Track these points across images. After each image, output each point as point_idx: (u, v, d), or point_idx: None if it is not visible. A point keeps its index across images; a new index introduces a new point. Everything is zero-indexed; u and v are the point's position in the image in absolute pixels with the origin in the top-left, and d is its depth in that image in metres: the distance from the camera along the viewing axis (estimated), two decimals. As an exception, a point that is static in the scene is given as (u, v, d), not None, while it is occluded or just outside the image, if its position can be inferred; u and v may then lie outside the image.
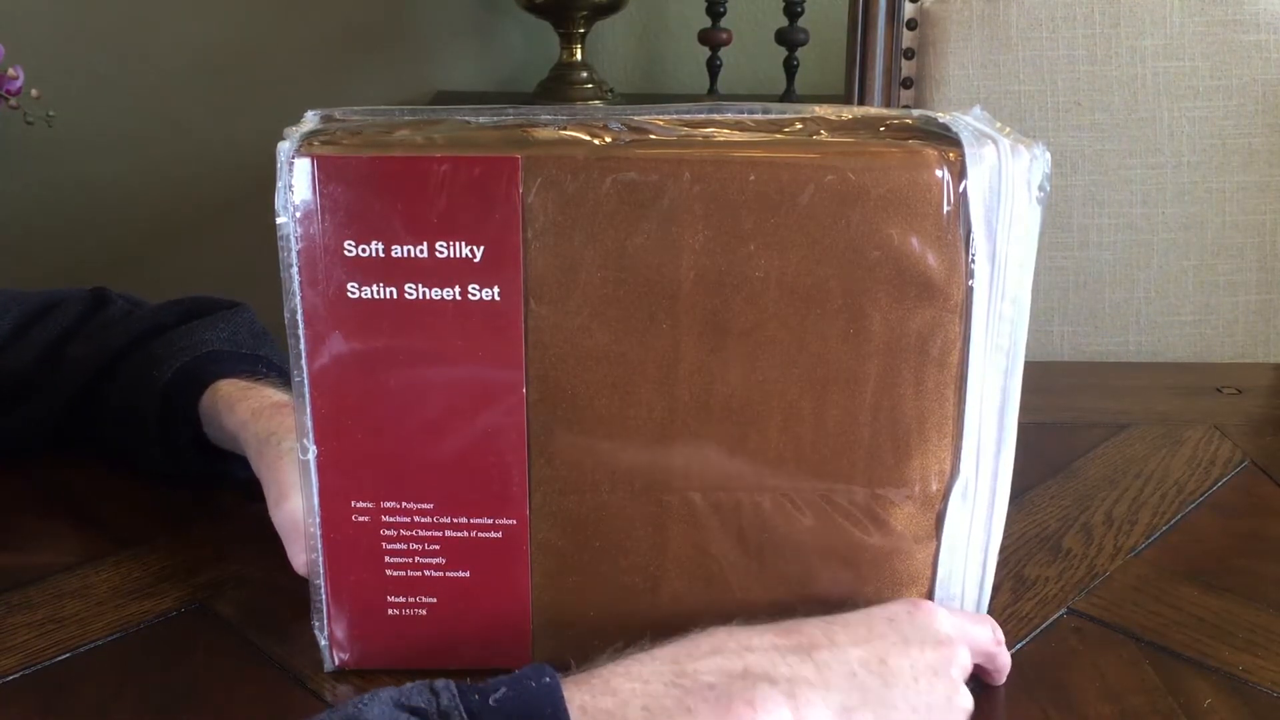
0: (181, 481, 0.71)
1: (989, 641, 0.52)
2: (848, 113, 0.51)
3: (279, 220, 0.47)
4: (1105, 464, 0.77)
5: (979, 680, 0.54)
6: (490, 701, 0.42)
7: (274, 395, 0.66)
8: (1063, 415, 0.84)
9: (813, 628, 0.48)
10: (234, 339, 0.73)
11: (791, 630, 0.48)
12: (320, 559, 0.52)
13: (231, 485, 0.70)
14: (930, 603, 0.52)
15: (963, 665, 0.50)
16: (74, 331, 0.76)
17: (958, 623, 0.51)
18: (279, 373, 0.71)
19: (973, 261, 0.48)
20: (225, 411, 0.66)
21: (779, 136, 0.49)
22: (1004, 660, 0.53)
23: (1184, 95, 1.15)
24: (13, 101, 1.68)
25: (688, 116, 0.51)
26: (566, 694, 0.43)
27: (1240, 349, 1.18)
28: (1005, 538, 0.54)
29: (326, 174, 0.46)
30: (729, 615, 0.51)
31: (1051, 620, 0.60)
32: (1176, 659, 0.57)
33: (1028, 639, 0.58)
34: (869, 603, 0.52)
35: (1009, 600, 0.61)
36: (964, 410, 0.50)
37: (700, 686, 0.44)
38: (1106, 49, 1.15)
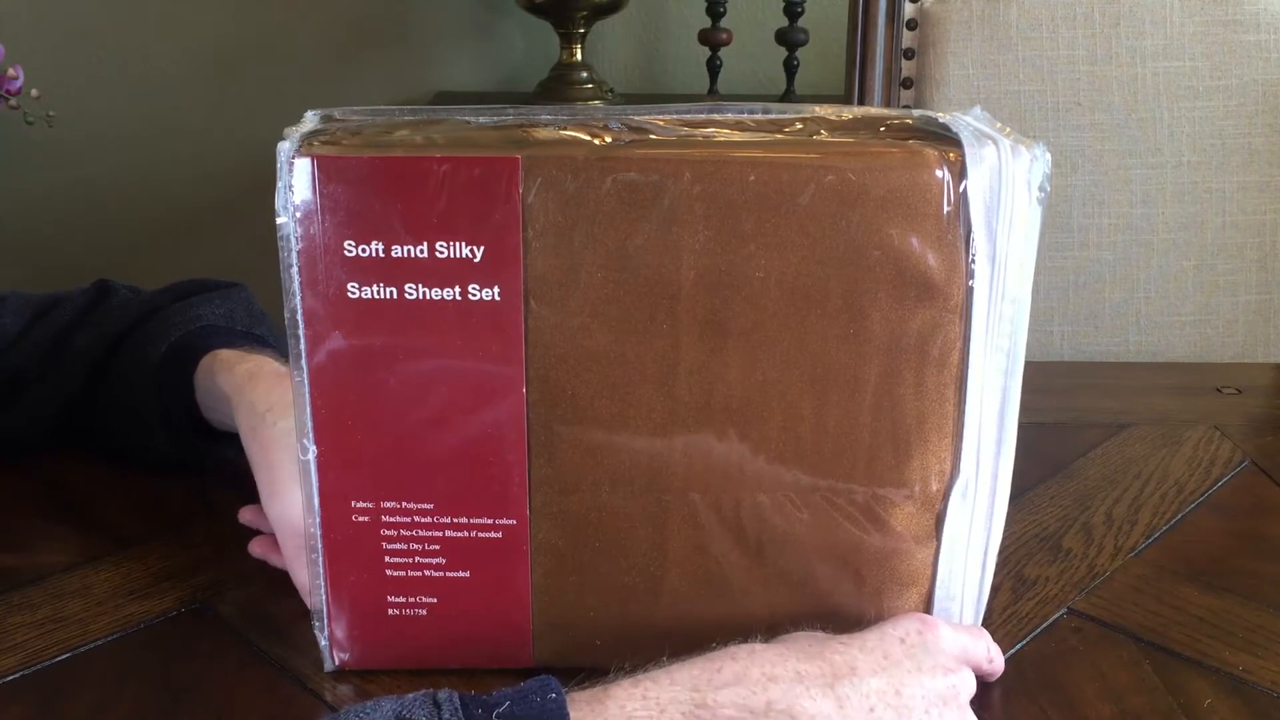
0: (178, 468, 0.70)
1: (982, 659, 0.53)
2: (848, 113, 0.51)
3: (279, 220, 0.47)
4: (1105, 464, 0.77)
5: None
6: (494, 716, 0.41)
7: (274, 364, 0.64)
8: (1063, 415, 0.84)
9: (834, 653, 0.47)
10: (230, 316, 0.73)
11: (815, 655, 0.47)
12: (320, 559, 0.52)
13: (227, 470, 0.70)
14: (936, 621, 0.51)
15: (970, 690, 0.50)
16: (79, 323, 0.76)
17: (960, 641, 0.51)
18: (276, 352, 0.69)
19: (973, 262, 0.48)
20: (223, 372, 0.65)
21: (779, 137, 0.49)
22: (996, 669, 0.54)
23: (1184, 95, 1.15)
24: (13, 101, 1.67)
25: (688, 116, 0.51)
26: (576, 714, 0.42)
27: (1240, 349, 1.18)
28: (1005, 538, 0.54)
29: (327, 174, 0.46)
30: (729, 615, 0.51)
31: (1051, 620, 0.60)
32: (1176, 659, 0.57)
33: (1028, 639, 0.58)
34: (869, 602, 0.52)
35: (1009, 600, 0.61)
36: (964, 410, 0.50)
37: None
38: (1106, 49, 1.15)
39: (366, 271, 0.47)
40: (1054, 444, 0.79)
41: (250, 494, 0.60)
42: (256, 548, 0.62)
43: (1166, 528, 0.69)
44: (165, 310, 0.72)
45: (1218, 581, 0.63)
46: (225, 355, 0.67)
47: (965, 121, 0.50)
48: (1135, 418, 0.84)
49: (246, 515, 0.64)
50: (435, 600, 0.52)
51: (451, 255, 0.47)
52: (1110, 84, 1.15)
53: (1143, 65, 1.15)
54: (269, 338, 0.73)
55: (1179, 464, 0.77)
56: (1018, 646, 0.57)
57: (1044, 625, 0.59)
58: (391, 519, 0.51)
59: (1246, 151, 1.16)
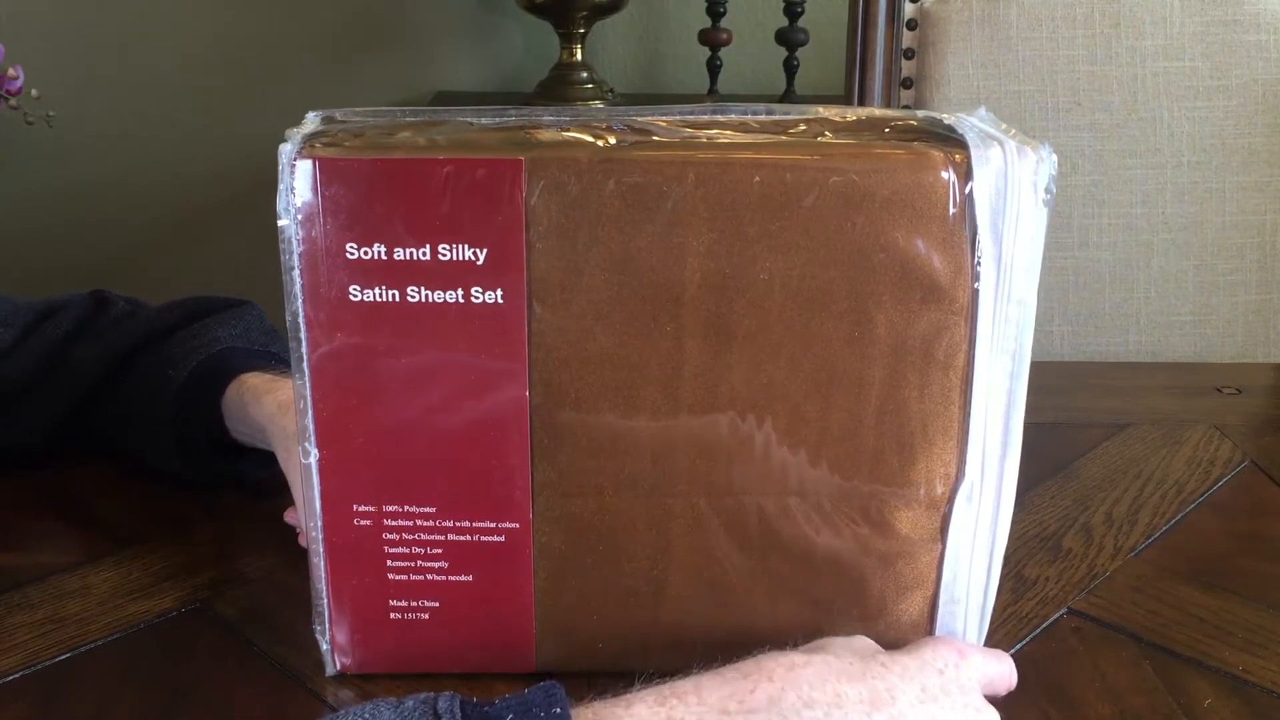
0: (193, 483, 0.70)
1: (1005, 685, 0.52)
2: (852, 114, 0.51)
3: (281, 223, 0.47)
4: (1105, 464, 0.77)
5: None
6: None
7: None
8: (1063, 415, 0.84)
9: (876, 676, 0.45)
10: (245, 336, 0.73)
11: (856, 676, 0.45)
12: (322, 562, 0.52)
13: (243, 485, 0.70)
14: (970, 650, 0.50)
15: None
16: (76, 334, 0.75)
17: (988, 671, 0.50)
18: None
19: (978, 264, 0.48)
20: (252, 403, 0.66)
21: (783, 138, 0.49)
22: (1011, 688, 0.53)
23: (1184, 95, 1.15)
24: (13, 101, 1.67)
25: (691, 118, 0.50)
26: None
27: (1240, 349, 1.18)
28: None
29: (328, 176, 0.46)
30: (733, 618, 0.51)
31: (1051, 620, 0.60)
32: (1176, 659, 0.57)
33: (1028, 639, 0.58)
34: (873, 606, 0.52)
35: (1009, 600, 0.61)
36: (969, 413, 0.50)
37: None
38: (1106, 49, 1.15)
39: (368, 274, 0.47)
40: (1054, 444, 0.79)
41: (254, 494, 0.60)
42: (303, 539, 0.63)
43: (1166, 528, 0.69)
44: (181, 333, 0.72)
45: (1218, 581, 0.63)
46: (252, 382, 0.67)
47: (970, 123, 0.50)
48: (1135, 418, 0.84)
49: (291, 517, 0.65)
50: (438, 604, 0.52)
51: (454, 257, 0.47)
52: (1110, 84, 1.15)
53: (1143, 65, 1.15)
54: (283, 354, 0.73)
55: (1179, 464, 0.77)
56: (1018, 646, 0.57)
57: (1044, 625, 0.59)
58: (393, 522, 0.51)
59: (1246, 151, 1.16)
